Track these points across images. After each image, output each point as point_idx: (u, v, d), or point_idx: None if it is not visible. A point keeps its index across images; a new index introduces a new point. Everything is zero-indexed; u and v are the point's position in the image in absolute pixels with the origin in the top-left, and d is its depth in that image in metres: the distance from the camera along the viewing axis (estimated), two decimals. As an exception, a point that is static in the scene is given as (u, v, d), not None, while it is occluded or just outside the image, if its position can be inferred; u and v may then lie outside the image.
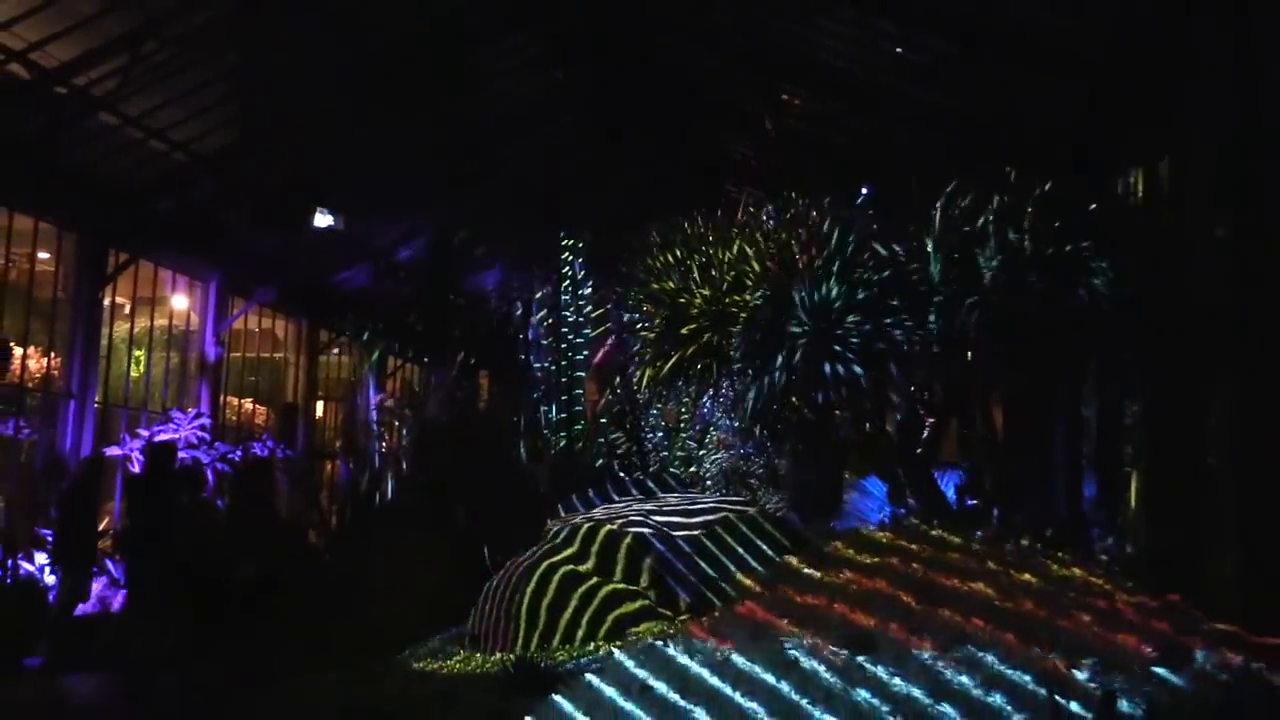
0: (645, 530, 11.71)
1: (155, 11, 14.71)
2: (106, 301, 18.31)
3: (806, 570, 8.36)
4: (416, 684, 9.76)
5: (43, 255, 17.20)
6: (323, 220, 18.92)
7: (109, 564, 14.97)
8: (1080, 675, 6.02)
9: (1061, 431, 13.74)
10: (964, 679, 5.96)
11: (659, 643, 7.11)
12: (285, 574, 13.10)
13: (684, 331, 13.04)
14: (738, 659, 6.51)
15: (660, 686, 6.46)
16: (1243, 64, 9.57)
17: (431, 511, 15.42)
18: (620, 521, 11.95)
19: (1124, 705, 5.80)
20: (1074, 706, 5.70)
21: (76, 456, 16.53)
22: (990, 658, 6.12)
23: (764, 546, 11.74)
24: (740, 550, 11.67)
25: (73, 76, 14.97)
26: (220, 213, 19.52)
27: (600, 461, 18.90)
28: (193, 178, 18.48)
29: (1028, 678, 5.92)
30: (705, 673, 6.46)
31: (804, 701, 6.03)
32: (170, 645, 11.73)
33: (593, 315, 19.98)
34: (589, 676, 7.01)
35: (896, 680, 6.04)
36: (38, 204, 16.43)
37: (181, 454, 17.89)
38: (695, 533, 11.90)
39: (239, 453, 18.71)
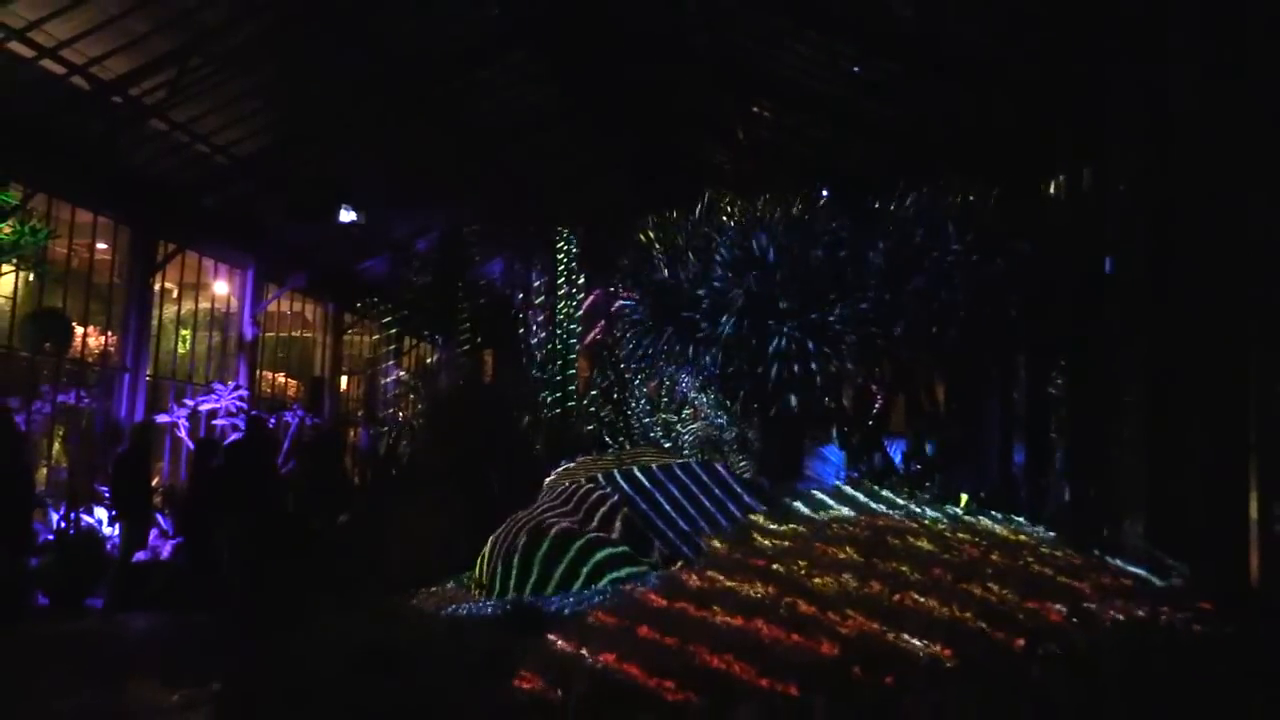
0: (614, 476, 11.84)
1: (200, 31, 14.71)
2: (156, 286, 18.30)
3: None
4: (428, 624, 9.80)
5: (101, 246, 17.21)
6: (347, 215, 18.91)
7: (159, 517, 15.01)
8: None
9: (995, 405, 13.83)
10: None
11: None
12: (328, 528, 13.19)
13: (664, 315, 13.06)
14: None
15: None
16: (1155, 83, 9.63)
17: (442, 472, 15.40)
18: (600, 474, 12.10)
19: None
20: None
21: (130, 423, 16.56)
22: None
23: (698, 491, 11.74)
24: (679, 493, 11.64)
25: (127, 88, 14.94)
26: (257, 208, 19.51)
27: (590, 430, 18.91)
28: (232, 177, 18.51)
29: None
30: None
31: None
32: (222, 589, 11.82)
33: (585, 301, 19.96)
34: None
35: None
36: (97, 200, 16.47)
37: (221, 421, 18.01)
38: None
39: (273, 420, 18.73)
